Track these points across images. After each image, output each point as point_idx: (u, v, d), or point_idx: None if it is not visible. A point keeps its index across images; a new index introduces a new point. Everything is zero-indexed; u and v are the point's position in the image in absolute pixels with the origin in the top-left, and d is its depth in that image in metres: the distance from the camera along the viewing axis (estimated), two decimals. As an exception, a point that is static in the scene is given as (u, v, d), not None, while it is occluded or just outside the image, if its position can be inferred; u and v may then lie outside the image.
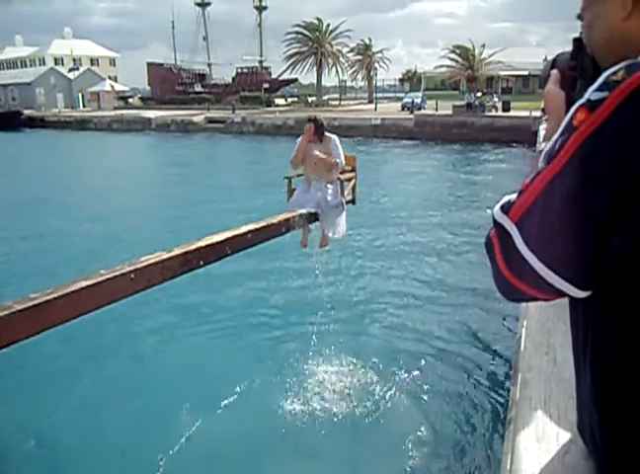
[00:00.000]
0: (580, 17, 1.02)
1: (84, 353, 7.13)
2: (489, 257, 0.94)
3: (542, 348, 2.13)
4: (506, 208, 0.89)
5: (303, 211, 5.38)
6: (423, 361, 6.74)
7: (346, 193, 5.92)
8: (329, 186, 5.72)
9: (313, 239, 6.18)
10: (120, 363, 6.89)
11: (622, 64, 0.80)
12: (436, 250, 11.28)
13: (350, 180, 6.06)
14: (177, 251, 3.43)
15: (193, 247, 3.56)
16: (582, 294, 0.86)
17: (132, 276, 3.01)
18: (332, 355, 6.73)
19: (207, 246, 3.68)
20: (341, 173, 5.86)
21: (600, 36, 0.95)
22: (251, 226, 4.34)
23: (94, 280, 2.77)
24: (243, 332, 7.67)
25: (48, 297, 2.51)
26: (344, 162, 5.78)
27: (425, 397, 6.00)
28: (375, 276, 9.83)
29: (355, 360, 6.68)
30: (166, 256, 3.31)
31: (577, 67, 1.06)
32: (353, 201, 6.19)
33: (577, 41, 1.05)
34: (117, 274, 2.92)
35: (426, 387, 6.18)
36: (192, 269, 3.56)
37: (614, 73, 0.80)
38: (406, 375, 6.39)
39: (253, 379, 6.28)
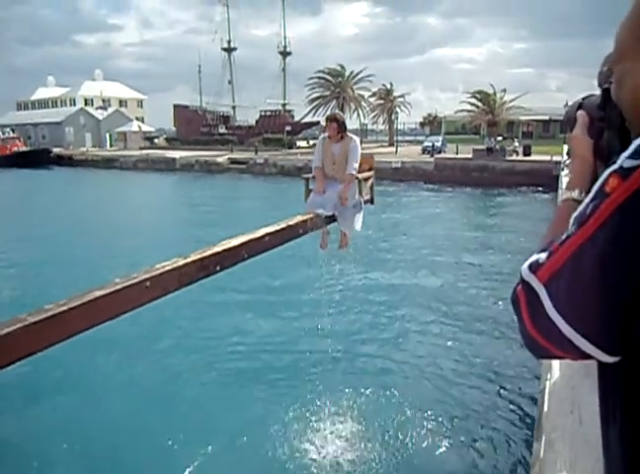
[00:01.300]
0: (609, 71, 1.01)
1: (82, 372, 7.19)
2: (515, 312, 0.93)
3: (567, 405, 2.06)
4: (534, 268, 0.88)
5: (321, 211, 5.32)
6: (440, 408, 6.61)
7: (364, 192, 5.86)
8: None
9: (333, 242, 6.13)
10: (116, 394, 6.92)
11: None
12: (453, 295, 11.16)
13: (367, 179, 6.00)
14: (193, 257, 3.35)
15: (209, 252, 3.48)
16: (610, 359, 0.84)
17: (148, 283, 2.93)
18: (343, 396, 6.65)
19: (224, 251, 3.59)
20: (359, 172, 5.78)
21: (629, 95, 0.93)
22: (268, 229, 4.24)
23: (109, 290, 2.70)
24: (248, 364, 7.64)
25: (63, 308, 2.45)
26: (356, 168, 5.68)
27: (442, 446, 5.86)
28: (390, 318, 9.73)
29: (366, 404, 6.58)
30: (182, 262, 3.24)
31: (605, 118, 1.04)
32: (371, 201, 6.15)
33: (606, 92, 1.02)
34: (132, 282, 2.85)
35: (443, 435, 6.04)
36: (208, 274, 3.48)
37: None
38: (423, 423, 6.26)
39: (255, 420, 6.24)
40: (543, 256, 0.88)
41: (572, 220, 0.86)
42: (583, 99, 1.15)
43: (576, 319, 0.82)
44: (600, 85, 1.08)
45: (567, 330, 0.83)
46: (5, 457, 5.74)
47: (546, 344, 0.88)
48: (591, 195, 0.84)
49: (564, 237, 0.85)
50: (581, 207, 0.85)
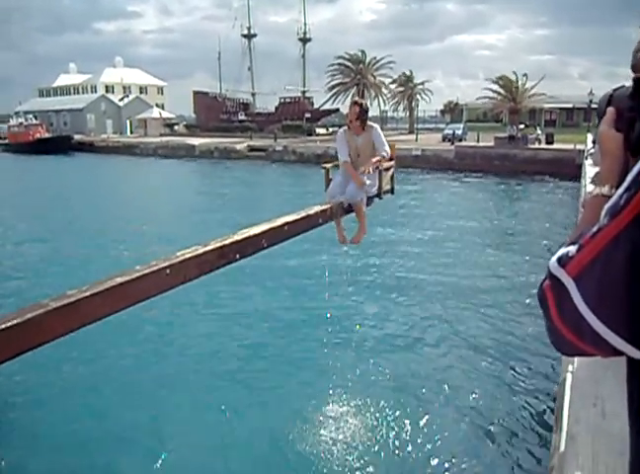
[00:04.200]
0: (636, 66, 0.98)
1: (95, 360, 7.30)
2: (542, 309, 0.90)
3: (590, 399, 2.03)
4: (563, 262, 0.85)
5: (342, 198, 5.22)
6: (455, 397, 6.61)
7: (384, 182, 5.73)
8: (368, 176, 5.45)
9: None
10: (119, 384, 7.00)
11: None
12: (470, 286, 11.08)
13: (388, 169, 5.88)
14: (213, 244, 3.34)
15: (229, 240, 3.47)
16: None
17: (168, 271, 2.93)
18: (357, 392, 6.64)
19: (244, 239, 3.59)
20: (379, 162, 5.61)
21: None
22: (288, 218, 4.21)
23: (129, 276, 2.70)
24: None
25: (85, 294, 2.46)
26: (389, 152, 5.52)
27: (457, 435, 5.86)
28: (408, 310, 9.70)
29: (385, 395, 6.58)
30: (202, 250, 3.23)
31: (636, 108, 1.00)
32: (392, 191, 6.06)
33: (637, 81, 1.00)
34: (152, 269, 2.84)
35: (458, 423, 6.05)
36: (229, 262, 3.48)
37: None
38: (437, 410, 6.29)
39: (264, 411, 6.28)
40: (573, 249, 0.85)
41: (604, 212, 0.82)
42: (614, 90, 1.11)
43: (607, 314, 0.79)
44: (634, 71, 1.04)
45: (597, 325, 0.80)
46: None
47: (576, 340, 0.85)
48: (625, 184, 0.81)
49: (595, 229, 0.82)
50: (614, 198, 0.82)
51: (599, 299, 0.80)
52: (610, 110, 1.06)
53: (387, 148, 5.49)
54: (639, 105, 1.00)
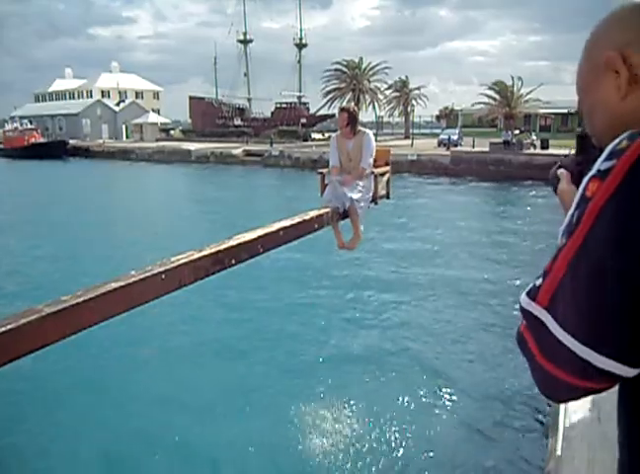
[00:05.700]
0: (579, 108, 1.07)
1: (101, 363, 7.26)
2: (524, 354, 0.89)
3: (586, 404, 2.02)
4: (532, 294, 0.86)
5: (337, 205, 5.20)
6: (450, 400, 6.60)
7: (380, 187, 5.74)
8: (362, 181, 5.43)
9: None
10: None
11: (624, 135, 0.82)
12: (465, 291, 11.09)
13: (384, 174, 5.91)
14: (208, 250, 3.32)
15: (224, 246, 3.44)
16: (632, 372, 0.80)
17: (163, 276, 2.91)
18: (352, 398, 6.63)
19: (239, 244, 3.57)
20: (375, 167, 5.63)
21: (601, 122, 0.98)
22: (283, 223, 4.19)
23: (124, 282, 2.68)
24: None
25: (79, 300, 2.43)
26: (371, 163, 5.51)
27: (452, 439, 5.86)
28: (404, 315, 9.70)
29: (380, 400, 6.57)
30: (197, 255, 3.21)
31: (583, 161, 1.11)
32: (387, 196, 6.06)
33: (580, 137, 1.15)
34: (147, 274, 2.82)
35: (453, 428, 6.05)
36: (224, 268, 3.46)
37: (618, 143, 0.81)
38: (433, 413, 6.27)
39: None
40: (539, 280, 0.86)
41: (560, 233, 0.85)
42: (561, 160, 1.27)
43: (585, 334, 0.79)
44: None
45: (581, 349, 0.79)
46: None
47: (564, 375, 0.83)
48: (573, 205, 0.84)
49: (555, 253, 0.84)
50: (566, 219, 0.85)
51: (574, 321, 0.80)
52: (562, 171, 1.21)
53: (370, 160, 5.47)
54: (585, 158, 1.11)
